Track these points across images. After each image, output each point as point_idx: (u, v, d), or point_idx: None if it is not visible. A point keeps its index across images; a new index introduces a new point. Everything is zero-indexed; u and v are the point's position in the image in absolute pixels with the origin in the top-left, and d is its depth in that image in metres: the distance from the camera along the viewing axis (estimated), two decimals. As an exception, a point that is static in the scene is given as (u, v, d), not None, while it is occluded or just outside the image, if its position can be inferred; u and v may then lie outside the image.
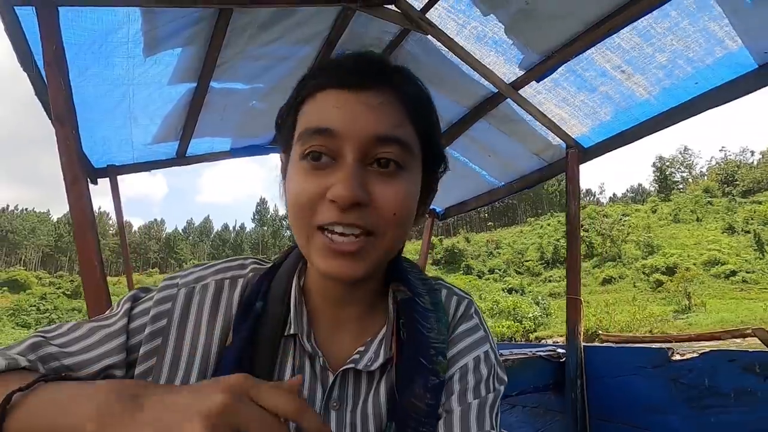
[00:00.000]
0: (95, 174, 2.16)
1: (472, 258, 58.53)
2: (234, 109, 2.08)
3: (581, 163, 2.11)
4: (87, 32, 1.32)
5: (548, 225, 62.59)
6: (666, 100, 1.78)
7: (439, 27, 1.77)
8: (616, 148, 2.09)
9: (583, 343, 1.79)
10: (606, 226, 51.82)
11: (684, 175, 71.31)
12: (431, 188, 0.57)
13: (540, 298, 42.87)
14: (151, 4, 1.25)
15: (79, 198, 1.01)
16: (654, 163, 72.22)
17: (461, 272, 55.46)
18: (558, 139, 2.11)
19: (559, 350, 1.87)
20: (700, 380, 1.40)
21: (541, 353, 1.84)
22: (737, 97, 1.61)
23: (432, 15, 1.75)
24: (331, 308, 0.56)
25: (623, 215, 56.26)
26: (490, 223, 76.32)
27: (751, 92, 1.58)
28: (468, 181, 2.66)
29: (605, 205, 71.50)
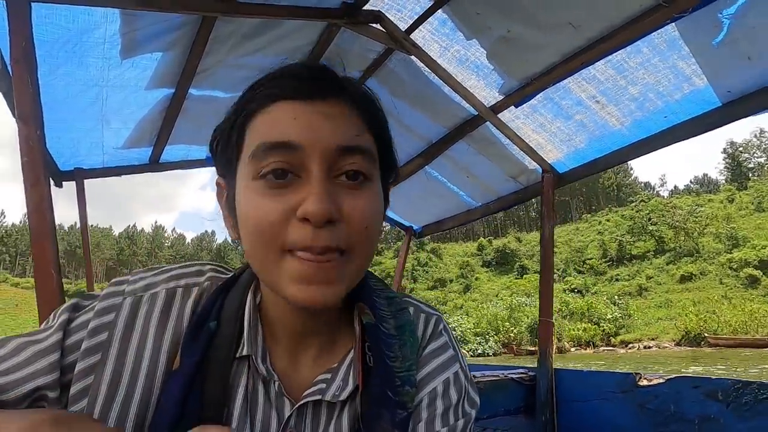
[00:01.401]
0: (61, 177, 2.07)
1: (526, 258, 54.72)
2: (212, 117, 2.02)
3: (556, 188, 2.16)
4: (60, 30, 1.28)
5: (607, 221, 57.81)
6: (637, 131, 1.85)
7: (423, 48, 1.80)
8: (589, 175, 2.15)
9: (554, 366, 1.80)
10: (679, 219, 46.68)
11: (761, 160, 63.79)
12: (387, 200, 0.54)
13: (616, 297, 39.17)
14: (130, 6, 1.22)
15: (39, 201, 0.95)
16: (725, 149, 65.43)
17: (515, 273, 52.02)
18: (534, 163, 2.16)
19: (531, 373, 1.87)
20: (665, 406, 1.43)
21: (513, 376, 1.84)
22: (703, 132, 1.69)
23: (416, 36, 1.78)
24: (292, 336, 0.52)
25: (696, 206, 50.66)
26: None
27: (716, 128, 1.66)
28: (446, 200, 2.68)
29: (669, 198, 65.05)
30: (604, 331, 34.62)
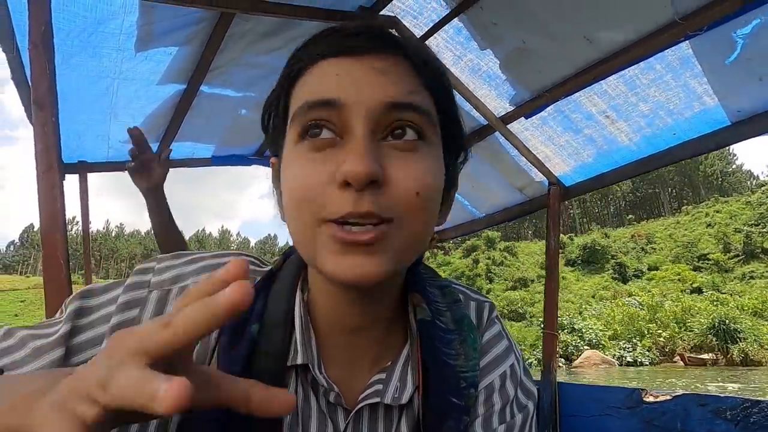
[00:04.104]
0: (64, 169, 2.03)
1: (621, 254, 47.64)
2: (221, 115, 2.02)
3: (562, 201, 2.16)
4: (78, 18, 1.26)
5: (716, 212, 50.97)
6: (645, 147, 1.86)
7: (437, 56, 1.81)
8: (595, 189, 2.16)
9: (557, 380, 1.78)
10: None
11: None
12: (451, 178, 0.47)
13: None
14: (152, -2, 1.21)
15: (51, 188, 0.93)
16: None
17: (610, 271, 45.23)
18: (541, 175, 2.17)
19: (533, 386, 1.85)
20: (673, 424, 1.41)
21: (516, 388, 1.82)
22: (712, 150, 1.71)
23: (431, 43, 1.79)
24: (343, 334, 0.46)
25: None
26: (630, 216, 65.57)
27: (724, 146, 1.68)
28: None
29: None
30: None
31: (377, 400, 0.44)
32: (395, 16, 1.72)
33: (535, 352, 27.62)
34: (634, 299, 34.96)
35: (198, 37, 1.51)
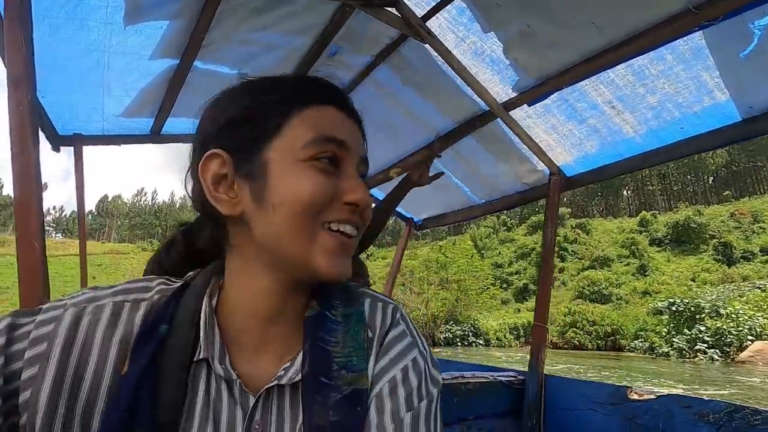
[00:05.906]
0: (59, 141, 2.02)
1: (726, 233, 41.66)
2: (217, 92, 1.98)
3: (562, 191, 2.12)
4: (61, -10, 1.22)
5: None
6: (651, 140, 1.80)
7: (438, 37, 1.74)
8: (597, 181, 2.11)
9: (544, 372, 1.78)
10: None
11: None
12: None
13: None
14: (137, -30, 1.16)
15: (25, 169, 0.91)
16: None
17: (710, 252, 39.76)
18: (542, 164, 2.12)
19: (520, 377, 1.86)
20: (654, 423, 1.41)
21: (502, 378, 1.82)
22: (720, 146, 1.64)
23: (432, 24, 1.71)
24: (258, 326, 0.52)
25: None
26: (726, 192, 58.52)
27: (733, 143, 1.61)
28: (449, 194, 2.64)
29: None
30: None
31: (276, 383, 0.50)
32: (396, -6, 1.64)
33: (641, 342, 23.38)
34: (703, 285, 29.35)
35: (188, 11, 1.46)
